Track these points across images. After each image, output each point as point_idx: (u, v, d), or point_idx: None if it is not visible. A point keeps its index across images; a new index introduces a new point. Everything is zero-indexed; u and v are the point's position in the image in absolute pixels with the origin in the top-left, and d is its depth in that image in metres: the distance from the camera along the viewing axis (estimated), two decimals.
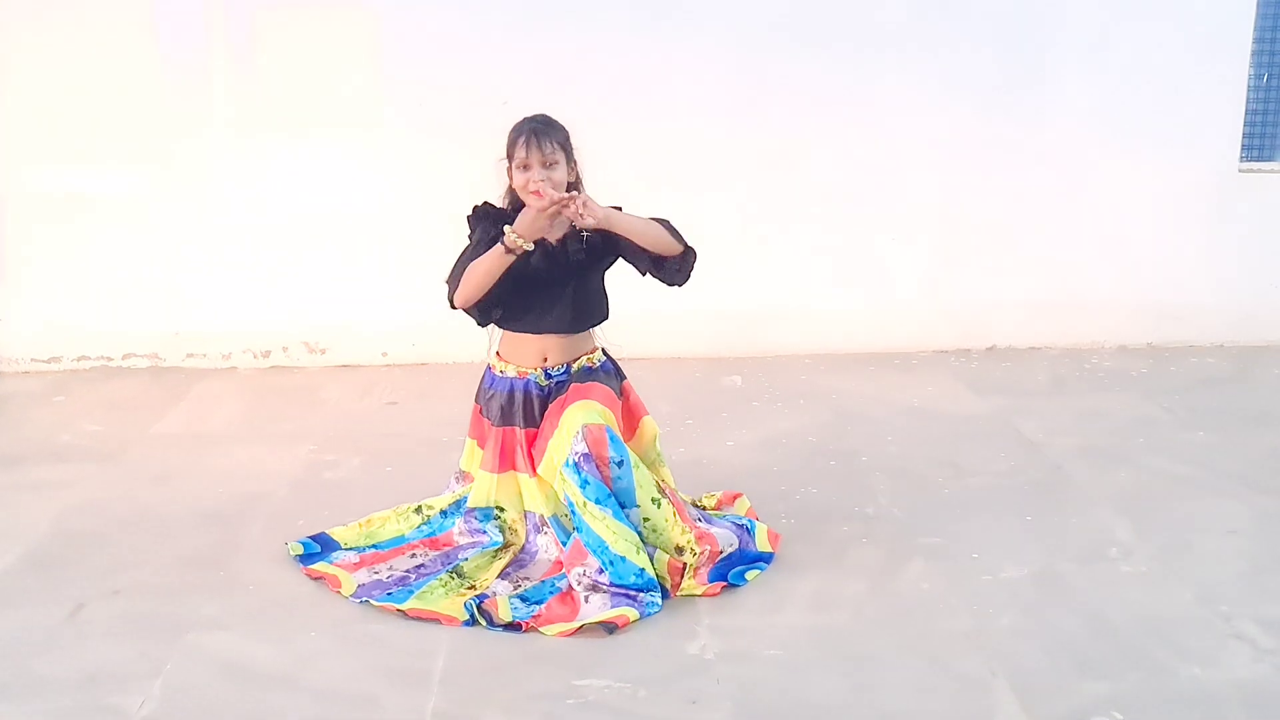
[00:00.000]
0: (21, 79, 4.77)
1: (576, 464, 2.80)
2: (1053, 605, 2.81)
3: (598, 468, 2.80)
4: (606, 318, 3.12)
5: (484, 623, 2.71)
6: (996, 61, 5.02)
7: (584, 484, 2.80)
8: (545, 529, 3.02)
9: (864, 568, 3.03)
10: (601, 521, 2.78)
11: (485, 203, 3.05)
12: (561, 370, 3.03)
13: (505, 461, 3.04)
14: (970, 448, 3.96)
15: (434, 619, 2.74)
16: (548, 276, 2.95)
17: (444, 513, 3.17)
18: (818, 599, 2.85)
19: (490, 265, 2.87)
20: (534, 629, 2.70)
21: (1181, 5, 5.02)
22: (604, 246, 3.00)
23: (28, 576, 3.00)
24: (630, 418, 3.08)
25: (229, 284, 5.00)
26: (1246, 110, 5.16)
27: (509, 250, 2.84)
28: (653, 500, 2.88)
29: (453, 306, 2.98)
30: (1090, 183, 5.18)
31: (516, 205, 3.00)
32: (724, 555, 2.96)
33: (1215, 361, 5.09)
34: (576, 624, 2.69)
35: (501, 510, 3.05)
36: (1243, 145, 5.20)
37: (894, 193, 5.12)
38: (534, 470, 3.01)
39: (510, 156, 2.93)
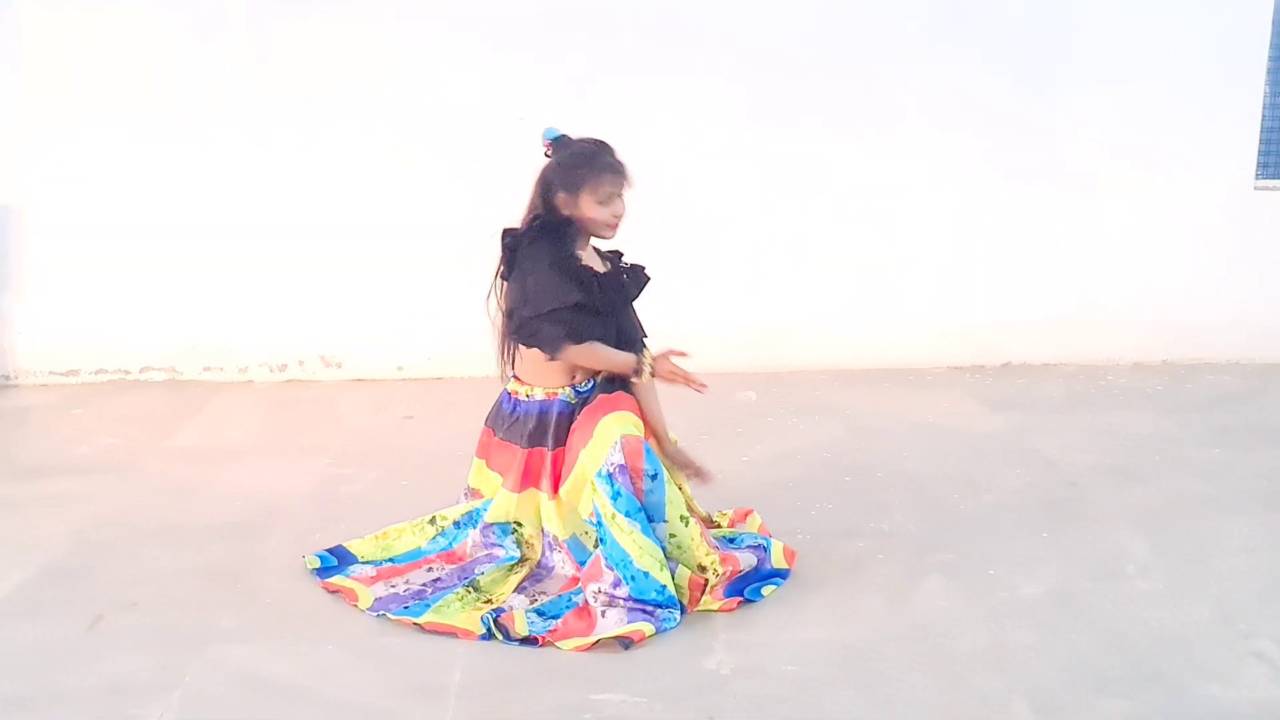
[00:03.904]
0: (39, 92, 4.82)
1: (610, 475, 2.78)
2: (1070, 623, 2.80)
3: (632, 480, 2.78)
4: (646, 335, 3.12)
5: (500, 637, 2.72)
6: (1011, 80, 5.03)
7: (615, 495, 2.78)
8: (560, 548, 3.03)
9: (880, 584, 3.02)
10: (629, 535, 2.78)
11: (514, 229, 2.98)
12: (588, 385, 3.03)
13: (527, 481, 3.04)
14: (986, 464, 3.95)
15: (450, 633, 2.75)
16: (605, 308, 2.95)
17: (457, 524, 3.18)
18: (834, 615, 2.85)
19: (610, 365, 2.94)
20: (550, 643, 2.70)
21: (1197, 25, 5.03)
22: (635, 279, 3.04)
23: (47, 588, 3.01)
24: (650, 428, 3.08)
25: (245, 298, 5.04)
26: (1262, 129, 5.17)
27: (636, 373, 2.93)
28: (681, 518, 2.87)
29: (552, 356, 2.93)
30: (1105, 200, 5.19)
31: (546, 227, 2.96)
32: (742, 573, 2.97)
33: (1231, 379, 5.08)
34: (593, 639, 2.69)
35: (519, 525, 3.06)
36: (1258, 163, 5.20)
37: (909, 209, 5.14)
38: (555, 491, 3.00)
39: (584, 183, 2.89)
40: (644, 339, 3.09)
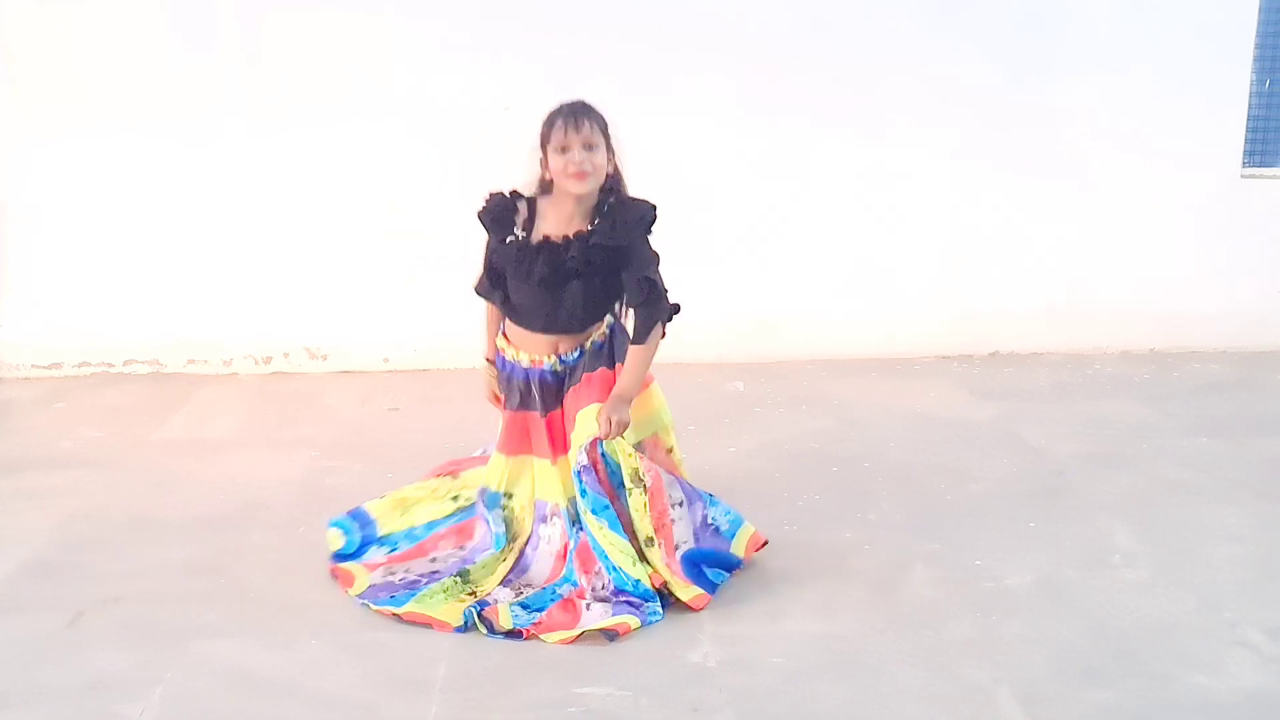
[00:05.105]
0: (24, 83, 4.78)
1: (579, 473, 2.83)
2: (1056, 612, 2.80)
3: (597, 478, 2.81)
4: (619, 299, 2.99)
5: (484, 630, 2.71)
6: (999, 69, 5.01)
7: (583, 493, 2.82)
8: (555, 519, 2.98)
9: (866, 574, 3.02)
10: (600, 531, 2.80)
11: (496, 194, 2.96)
12: (575, 354, 2.96)
13: (519, 445, 3.00)
14: (972, 454, 3.95)
15: (426, 624, 2.74)
16: (551, 278, 2.88)
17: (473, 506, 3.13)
18: (820, 606, 2.84)
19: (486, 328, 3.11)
20: (534, 636, 2.69)
21: (1184, 12, 5.01)
22: (608, 262, 2.88)
23: (28, 583, 2.99)
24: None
25: (230, 290, 5.00)
26: (1249, 116, 5.16)
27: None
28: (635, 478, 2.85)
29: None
30: (1093, 189, 5.18)
31: (545, 193, 2.92)
32: (694, 549, 2.92)
33: (1218, 367, 5.09)
34: (577, 631, 2.68)
35: (510, 497, 3.02)
36: (1245, 151, 5.19)
37: (897, 199, 5.12)
38: (554, 455, 2.96)
39: (546, 141, 2.85)
40: (647, 299, 2.89)
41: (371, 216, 4.97)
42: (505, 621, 2.73)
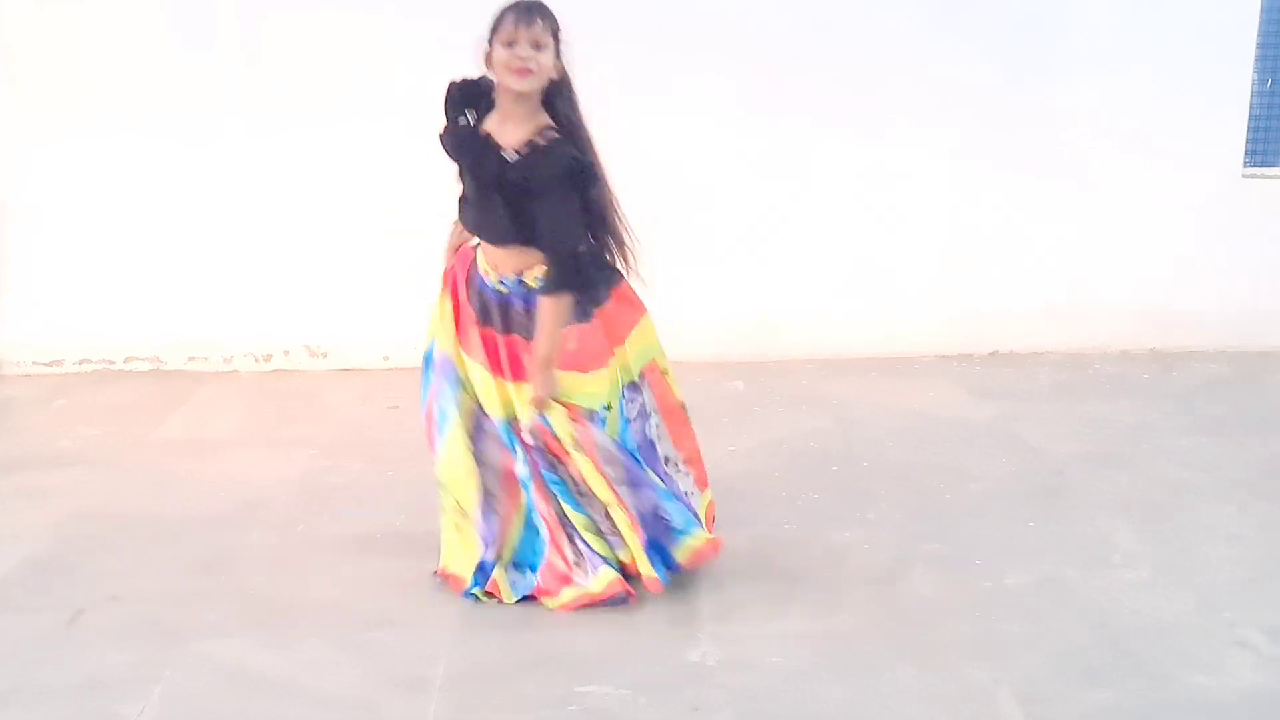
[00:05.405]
0: (24, 82, 4.78)
1: (532, 451, 2.82)
2: (1056, 612, 2.80)
3: (548, 451, 2.80)
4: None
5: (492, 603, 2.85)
6: (999, 69, 5.01)
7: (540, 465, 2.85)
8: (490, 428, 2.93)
9: (866, 574, 3.02)
10: (557, 499, 2.85)
11: (463, 80, 2.85)
12: (515, 281, 2.79)
13: (461, 334, 2.91)
14: (972, 453, 3.94)
15: (450, 579, 2.91)
16: (476, 174, 2.75)
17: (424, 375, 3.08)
18: (819, 606, 2.84)
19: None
20: (540, 600, 2.83)
21: (1184, 12, 5.01)
22: (519, 199, 2.70)
23: (27, 582, 2.99)
24: (623, 327, 2.90)
25: (230, 287, 5.00)
26: (1250, 116, 5.15)
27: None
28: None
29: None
30: (1093, 188, 5.18)
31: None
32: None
33: (1218, 367, 5.08)
34: (577, 594, 2.80)
35: (468, 386, 2.95)
36: (1246, 151, 5.19)
37: (897, 199, 5.12)
38: (492, 371, 2.86)
39: (494, 34, 2.69)
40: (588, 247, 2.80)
41: (371, 216, 4.96)
42: (508, 596, 2.84)
